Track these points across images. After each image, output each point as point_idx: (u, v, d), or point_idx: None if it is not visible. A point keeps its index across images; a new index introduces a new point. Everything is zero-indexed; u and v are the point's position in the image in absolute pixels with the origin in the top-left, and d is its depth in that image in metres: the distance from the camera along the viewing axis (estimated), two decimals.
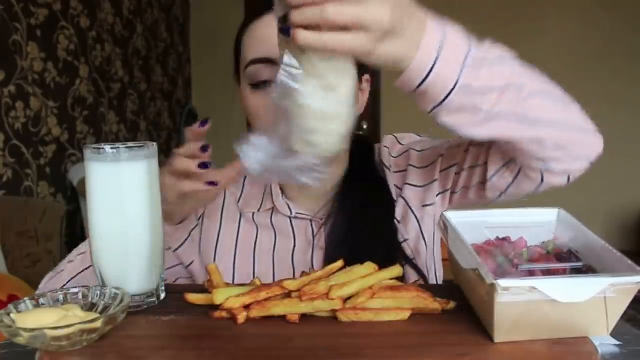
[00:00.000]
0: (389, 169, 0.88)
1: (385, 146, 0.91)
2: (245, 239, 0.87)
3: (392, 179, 0.87)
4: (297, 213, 0.86)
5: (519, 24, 3.87)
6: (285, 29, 0.48)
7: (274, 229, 0.87)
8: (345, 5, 0.47)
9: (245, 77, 0.79)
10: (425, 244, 0.85)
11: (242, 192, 0.91)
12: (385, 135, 0.95)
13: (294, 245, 0.85)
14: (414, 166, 0.86)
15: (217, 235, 0.88)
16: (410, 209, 0.85)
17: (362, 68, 0.82)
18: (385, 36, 0.49)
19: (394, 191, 0.86)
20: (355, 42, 0.48)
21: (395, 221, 0.84)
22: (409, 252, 0.83)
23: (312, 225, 0.85)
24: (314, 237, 0.85)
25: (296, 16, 0.47)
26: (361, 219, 0.82)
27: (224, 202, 0.90)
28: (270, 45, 0.74)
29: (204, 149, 0.69)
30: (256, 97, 0.78)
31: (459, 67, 0.53)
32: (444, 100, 0.54)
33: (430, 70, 0.52)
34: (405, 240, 0.84)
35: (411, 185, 0.85)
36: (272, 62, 0.75)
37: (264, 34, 0.76)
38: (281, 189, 0.88)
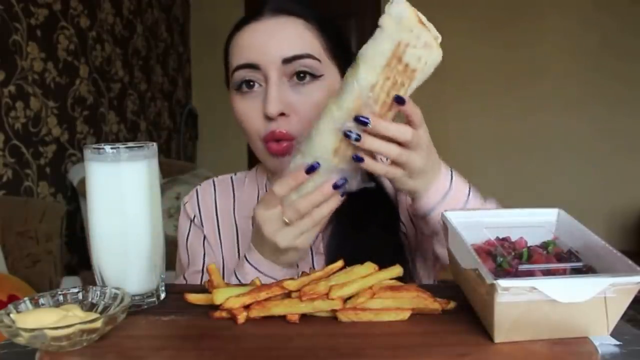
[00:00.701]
0: None
1: None
2: (245, 244, 0.86)
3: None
4: None
5: (518, 26, 3.87)
6: (357, 157, 0.64)
7: None
8: (403, 149, 0.63)
9: (232, 83, 0.81)
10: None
11: (234, 199, 0.93)
12: None
13: None
14: None
15: (220, 249, 0.90)
16: (407, 210, 0.86)
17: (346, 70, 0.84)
18: (416, 177, 0.67)
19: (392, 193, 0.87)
20: (396, 173, 0.66)
21: (402, 223, 0.85)
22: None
23: None
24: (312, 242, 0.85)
25: (368, 142, 0.63)
26: (360, 221, 0.82)
27: (216, 212, 0.92)
28: (254, 51, 0.78)
29: (312, 168, 0.67)
30: (243, 101, 0.80)
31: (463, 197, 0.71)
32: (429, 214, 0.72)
33: (434, 208, 0.70)
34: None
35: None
36: (255, 67, 0.78)
37: (247, 41, 0.79)
38: None
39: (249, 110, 0.80)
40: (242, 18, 0.84)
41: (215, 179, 0.97)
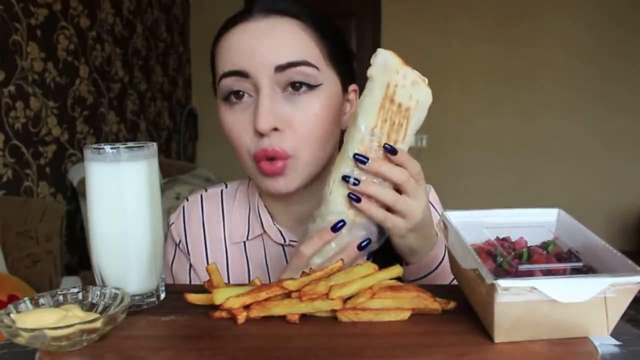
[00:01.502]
0: None
1: None
2: (237, 274, 0.83)
3: None
4: (290, 241, 0.82)
5: (519, 27, 3.88)
6: (355, 197, 0.64)
7: (266, 258, 0.83)
8: (400, 196, 0.63)
9: (219, 92, 0.74)
10: None
11: (223, 221, 0.86)
12: None
13: None
14: None
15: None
16: None
17: (349, 77, 0.79)
18: (414, 229, 0.65)
19: None
20: (395, 220, 0.64)
21: None
22: None
23: None
24: None
25: (364, 186, 0.63)
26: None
27: (204, 236, 0.85)
28: (242, 56, 0.70)
29: (338, 226, 0.66)
30: (231, 114, 0.73)
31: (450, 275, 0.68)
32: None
33: (430, 274, 0.72)
34: None
35: None
36: (244, 75, 0.70)
37: (235, 44, 0.71)
38: (269, 213, 0.84)
39: (237, 124, 0.72)
40: (229, 18, 0.75)
41: (203, 194, 0.88)
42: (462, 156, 3.97)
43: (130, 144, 0.58)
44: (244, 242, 0.84)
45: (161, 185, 2.29)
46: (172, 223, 0.88)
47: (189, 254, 0.86)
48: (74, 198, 2.77)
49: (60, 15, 2.70)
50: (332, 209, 0.66)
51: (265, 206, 0.84)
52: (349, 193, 0.64)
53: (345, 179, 0.64)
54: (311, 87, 0.71)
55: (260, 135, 0.70)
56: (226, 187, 0.90)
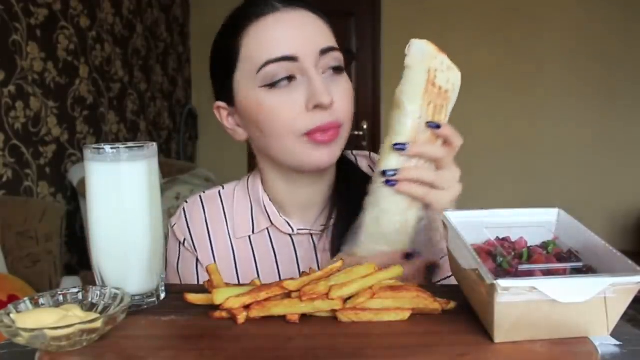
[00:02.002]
0: None
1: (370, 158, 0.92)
2: (244, 268, 0.84)
3: None
4: (298, 230, 0.84)
5: (518, 30, 3.88)
6: (391, 182, 0.67)
7: (274, 250, 0.85)
8: (440, 172, 0.69)
9: (260, 79, 0.75)
10: None
11: (226, 219, 0.87)
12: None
13: (297, 260, 0.84)
14: None
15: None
16: None
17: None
18: (454, 200, 0.71)
19: None
20: (438, 196, 0.68)
21: None
22: None
23: (312, 237, 0.85)
24: (315, 248, 0.84)
25: (406, 173, 0.67)
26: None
27: (209, 233, 0.87)
28: (289, 42, 0.74)
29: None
30: (280, 96, 0.75)
31: None
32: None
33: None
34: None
35: None
36: (293, 60, 0.74)
37: (278, 33, 0.75)
38: (275, 206, 0.85)
39: (287, 105, 0.74)
40: (250, 10, 0.78)
41: (202, 195, 0.90)
42: (462, 156, 3.96)
43: (130, 144, 0.58)
44: (249, 237, 0.86)
45: (161, 185, 2.29)
46: (174, 224, 0.89)
47: (195, 251, 0.86)
48: (74, 198, 2.77)
49: (60, 15, 2.70)
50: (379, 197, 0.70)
51: (271, 199, 0.86)
52: (385, 180, 0.68)
53: (383, 173, 0.68)
54: (342, 70, 0.79)
55: (318, 110, 0.74)
56: (223, 188, 0.91)
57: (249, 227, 0.86)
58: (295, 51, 0.74)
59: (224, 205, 0.89)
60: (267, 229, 0.85)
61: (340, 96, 0.76)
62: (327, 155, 0.76)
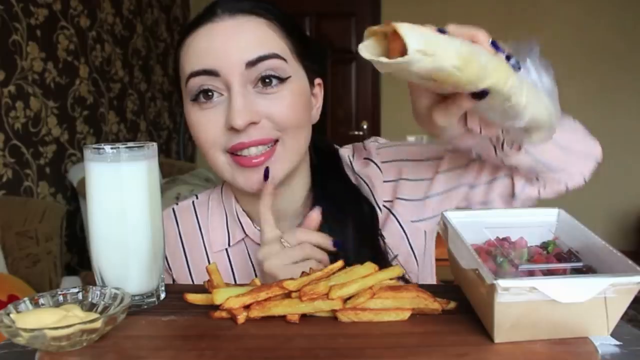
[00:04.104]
0: (380, 169, 0.84)
1: (366, 148, 0.87)
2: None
3: (381, 189, 0.83)
4: None
5: (518, 30, 3.88)
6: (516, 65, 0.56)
7: (251, 261, 0.82)
8: None
9: (187, 93, 0.73)
10: (416, 261, 0.83)
11: (201, 232, 0.85)
12: (379, 136, 0.92)
13: None
14: (407, 179, 0.82)
15: (190, 279, 0.83)
16: (400, 225, 0.82)
17: (313, 72, 0.79)
18: None
19: (380, 203, 0.83)
20: None
21: (381, 237, 0.80)
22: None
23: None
24: None
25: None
26: (339, 230, 0.76)
27: (184, 249, 0.84)
28: (211, 55, 0.70)
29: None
30: (200, 113, 0.72)
31: None
32: None
33: None
34: (395, 256, 0.80)
35: (403, 199, 0.82)
36: (214, 74, 0.70)
37: (203, 44, 0.72)
38: (249, 216, 0.83)
39: (208, 123, 0.72)
40: (192, 20, 0.76)
41: (175, 207, 0.87)
42: None
43: (130, 144, 0.58)
44: (226, 249, 0.83)
45: (161, 185, 2.29)
46: None
47: (170, 269, 0.85)
48: (74, 198, 2.77)
49: (60, 15, 2.70)
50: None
51: (243, 209, 0.83)
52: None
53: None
54: (281, 79, 0.71)
55: (236, 131, 0.70)
56: (197, 197, 0.89)
57: (225, 239, 0.83)
58: (216, 65, 0.70)
59: (198, 216, 0.86)
60: (243, 239, 0.83)
61: (272, 111, 0.71)
62: (255, 179, 0.72)
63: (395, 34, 0.48)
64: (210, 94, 0.71)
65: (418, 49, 0.47)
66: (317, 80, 0.81)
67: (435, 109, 0.58)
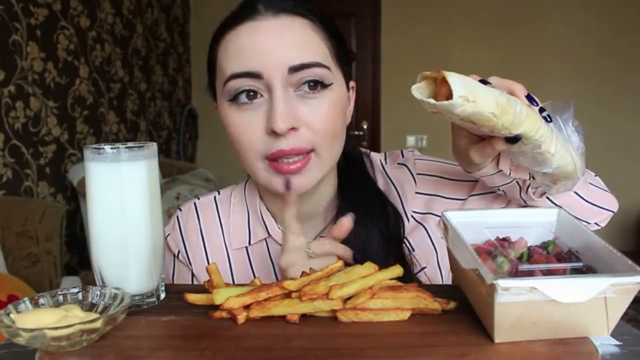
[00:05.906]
0: (414, 179, 0.83)
1: (404, 155, 0.86)
2: (241, 280, 0.82)
3: (412, 199, 0.82)
4: None
5: (518, 31, 3.88)
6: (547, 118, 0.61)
7: (271, 261, 0.82)
8: None
9: (225, 92, 0.71)
10: (442, 277, 0.82)
11: (222, 228, 0.84)
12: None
13: None
14: (443, 196, 0.82)
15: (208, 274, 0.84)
16: (431, 240, 0.82)
17: (349, 75, 0.78)
18: None
19: (409, 213, 0.82)
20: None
21: (406, 245, 0.80)
22: (424, 279, 0.80)
23: None
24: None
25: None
26: (364, 234, 0.76)
27: (204, 244, 0.84)
28: (255, 57, 0.69)
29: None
30: (240, 114, 0.71)
31: None
32: None
33: None
34: (423, 269, 0.80)
35: (437, 216, 0.81)
36: (257, 77, 0.69)
37: (245, 44, 0.70)
38: (273, 216, 0.83)
39: (248, 125, 0.70)
40: (231, 15, 0.73)
41: (196, 202, 0.87)
42: None
43: (130, 144, 0.58)
44: (246, 247, 0.83)
45: (161, 185, 2.29)
46: (168, 235, 0.86)
47: (190, 264, 0.84)
48: (74, 198, 2.77)
49: (60, 15, 2.70)
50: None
51: (268, 209, 0.83)
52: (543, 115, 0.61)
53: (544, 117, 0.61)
54: (324, 86, 0.71)
55: (276, 136, 0.69)
56: (219, 194, 0.88)
57: (246, 237, 0.83)
58: (260, 67, 0.68)
59: (220, 212, 0.85)
60: (265, 239, 0.83)
61: (311, 118, 0.70)
62: (298, 183, 0.71)
63: (444, 80, 0.55)
64: (252, 94, 0.70)
65: (461, 95, 0.54)
66: (352, 84, 0.81)
67: (472, 148, 0.64)
